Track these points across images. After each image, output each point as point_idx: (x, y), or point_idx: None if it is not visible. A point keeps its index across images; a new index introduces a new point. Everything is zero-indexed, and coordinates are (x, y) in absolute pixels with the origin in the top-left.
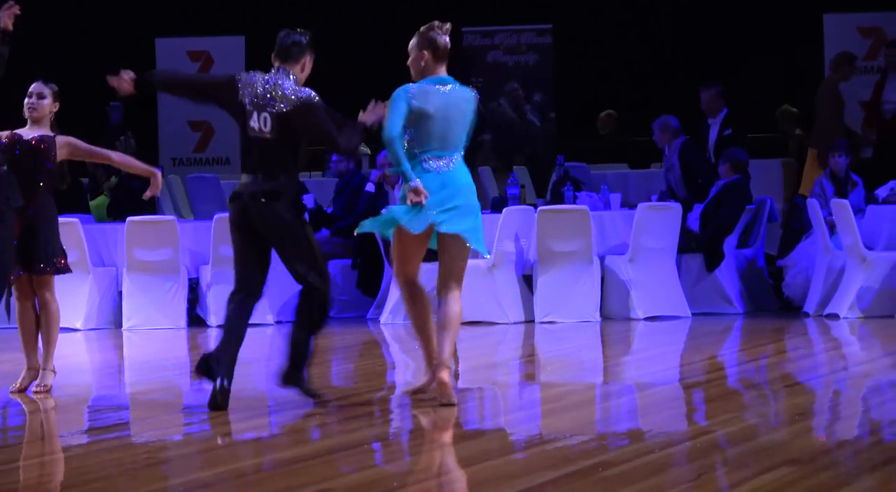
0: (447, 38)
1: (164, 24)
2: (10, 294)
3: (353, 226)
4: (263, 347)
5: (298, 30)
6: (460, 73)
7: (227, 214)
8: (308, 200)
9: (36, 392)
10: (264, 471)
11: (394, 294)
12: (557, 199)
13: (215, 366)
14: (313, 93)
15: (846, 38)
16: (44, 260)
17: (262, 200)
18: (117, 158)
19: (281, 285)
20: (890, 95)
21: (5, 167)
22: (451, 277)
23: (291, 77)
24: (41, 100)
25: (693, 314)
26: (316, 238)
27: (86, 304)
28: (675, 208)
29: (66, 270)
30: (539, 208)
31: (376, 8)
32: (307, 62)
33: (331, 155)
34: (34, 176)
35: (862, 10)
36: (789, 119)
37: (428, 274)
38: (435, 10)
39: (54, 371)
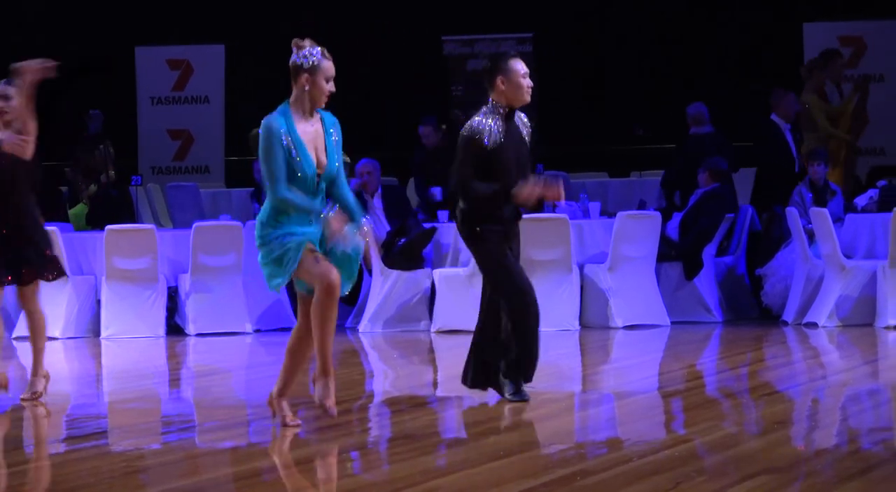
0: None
1: (143, 33)
2: None
3: None
4: (242, 356)
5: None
6: (441, 81)
7: (206, 222)
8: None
9: (24, 399)
10: (242, 480)
11: (373, 302)
12: (537, 207)
13: None
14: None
15: (827, 46)
16: (34, 267)
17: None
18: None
19: (259, 295)
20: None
21: None
22: None
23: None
24: (9, 101)
25: (672, 323)
26: None
27: (64, 312)
28: (654, 217)
29: (55, 273)
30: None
31: (357, 17)
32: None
33: None
34: (10, 178)
35: (842, 19)
36: None
37: None
38: (416, 19)
39: (47, 376)
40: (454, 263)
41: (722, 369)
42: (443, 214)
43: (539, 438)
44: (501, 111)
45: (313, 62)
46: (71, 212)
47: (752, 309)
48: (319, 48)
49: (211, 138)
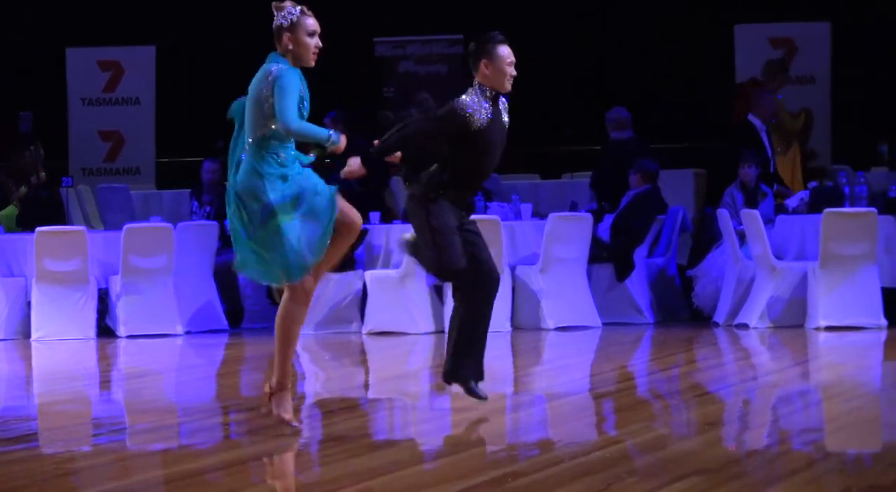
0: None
1: (74, 34)
2: None
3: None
4: (173, 357)
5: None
6: (373, 83)
7: (137, 224)
8: None
9: None
10: (173, 482)
11: None
12: (468, 209)
13: None
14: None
15: (757, 48)
16: None
17: None
18: None
19: (191, 296)
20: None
21: None
22: None
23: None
24: None
25: (603, 324)
26: None
27: None
28: (586, 218)
29: None
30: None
31: None
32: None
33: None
34: None
35: (773, 21)
36: None
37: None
38: (348, 21)
39: None
40: (385, 265)
41: (653, 371)
42: (374, 216)
43: (470, 439)
44: (488, 94)
45: (292, 20)
46: (1, 213)
47: (683, 310)
48: (300, 6)
49: (142, 140)
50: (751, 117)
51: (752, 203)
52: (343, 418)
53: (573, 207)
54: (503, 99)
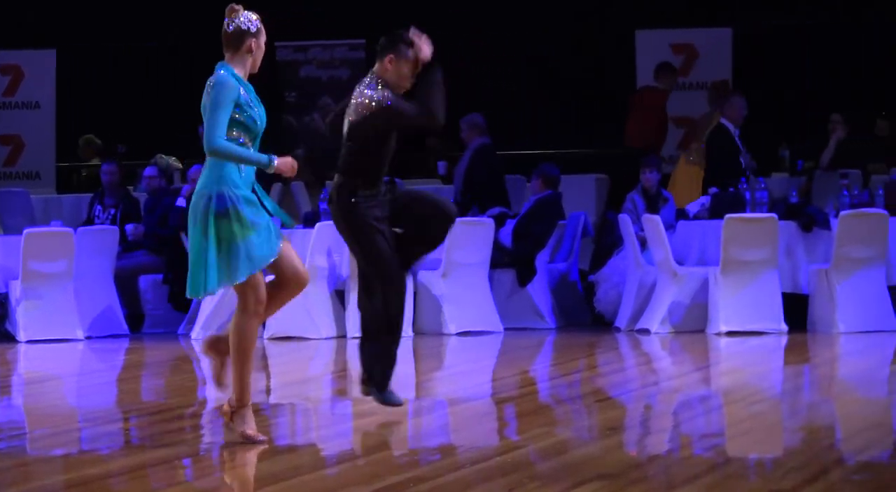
0: (227, 24)
1: None
2: None
3: (165, 239)
4: (73, 362)
5: None
6: (274, 88)
7: (37, 229)
8: None
9: None
10: (74, 488)
11: (205, 309)
12: None
13: None
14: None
15: (658, 54)
16: None
17: None
18: None
19: (92, 301)
20: None
21: None
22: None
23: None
24: None
25: (505, 329)
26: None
27: None
28: (488, 224)
29: None
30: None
31: (191, 20)
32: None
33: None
34: None
35: (673, 27)
36: None
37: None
38: None
39: None
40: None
41: (555, 376)
42: (275, 221)
43: (372, 444)
44: (381, 87)
45: (258, 26)
46: None
47: (584, 315)
48: (255, 14)
49: (42, 144)
50: (723, 121)
51: (653, 208)
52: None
53: (475, 212)
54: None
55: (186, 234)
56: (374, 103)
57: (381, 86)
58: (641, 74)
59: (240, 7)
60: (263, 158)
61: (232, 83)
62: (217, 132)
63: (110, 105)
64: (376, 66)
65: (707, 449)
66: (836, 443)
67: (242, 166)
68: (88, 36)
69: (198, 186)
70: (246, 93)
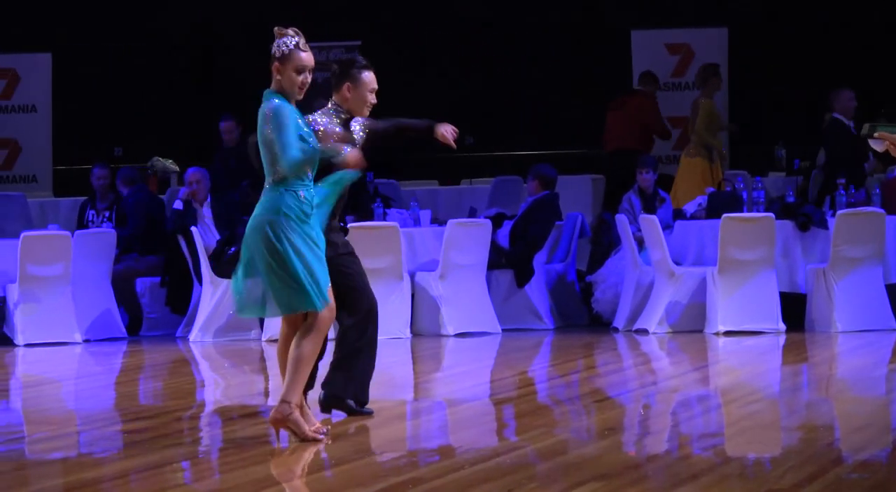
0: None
1: None
2: None
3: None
4: (71, 366)
5: None
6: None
7: (34, 232)
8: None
9: None
10: (73, 491)
11: (203, 312)
12: (366, 215)
13: None
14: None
15: (654, 54)
16: None
17: None
18: None
19: (88, 304)
20: None
21: None
22: None
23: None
24: None
25: (503, 330)
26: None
27: None
28: (485, 225)
29: None
30: (348, 225)
31: (187, 21)
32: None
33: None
34: None
35: (669, 27)
36: None
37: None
38: None
39: None
40: None
41: (553, 376)
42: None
43: (371, 446)
44: (342, 116)
45: (284, 52)
46: None
47: (582, 316)
48: (298, 38)
49: (38, 147)
50: (836, 115)
51: (650, 208)
52: (243, 425)
53: (472, 214)
54: (357, 120)
55: (183, 236)
56: (319, 131)
57: (335, 114)
58: (637, 75)
59: (288, 30)
60: (336, 149)
61: (288, 107)
62: (292, 150)
63: (106, 108)
64: (335, 96)
65: (705, 449)
66: (835, 442)
67: (301, 192)
68: (84, 38)
69: (259, 212)
70: (301, 121)
